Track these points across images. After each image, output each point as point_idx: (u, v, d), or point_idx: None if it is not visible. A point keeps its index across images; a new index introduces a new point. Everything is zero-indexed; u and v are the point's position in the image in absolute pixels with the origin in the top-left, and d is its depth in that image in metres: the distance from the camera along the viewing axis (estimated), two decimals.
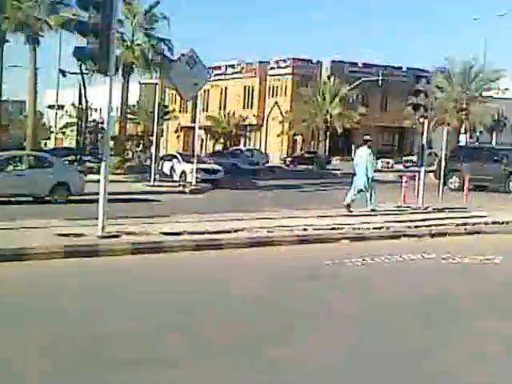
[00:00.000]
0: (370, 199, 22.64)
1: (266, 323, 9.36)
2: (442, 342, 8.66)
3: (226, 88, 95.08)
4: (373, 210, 22.36)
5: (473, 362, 7.93)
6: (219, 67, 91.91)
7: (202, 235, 16.12)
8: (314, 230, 18.03)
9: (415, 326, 9.49)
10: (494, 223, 20.77)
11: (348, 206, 22.23)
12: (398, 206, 24.45)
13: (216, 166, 43.60)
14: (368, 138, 24.26)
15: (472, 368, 7.71)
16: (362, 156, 23.07)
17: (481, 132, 63.86)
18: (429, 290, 11.94)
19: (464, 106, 59.00)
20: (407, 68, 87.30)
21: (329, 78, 78.69)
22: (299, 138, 79.73)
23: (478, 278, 13.36)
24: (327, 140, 70.00)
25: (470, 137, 69.62)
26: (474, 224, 20.37)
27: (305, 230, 17.94)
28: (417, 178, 25.69)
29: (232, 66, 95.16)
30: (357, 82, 73.91)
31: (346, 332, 9.08)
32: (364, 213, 22.01)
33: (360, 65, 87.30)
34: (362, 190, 22.58)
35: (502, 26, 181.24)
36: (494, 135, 56.32)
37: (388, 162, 75.51)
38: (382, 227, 18.97)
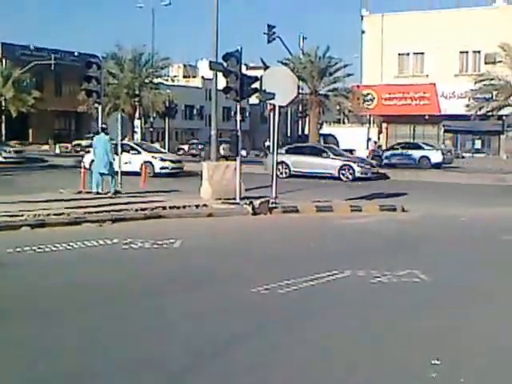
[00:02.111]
0: (112, 182, 24.66)
1: None
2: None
3: None
4: (117, 192, 24.50)
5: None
6: None
7: None
8: None
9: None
10: (171, 208, 21.21)
11: (97, 192, 24.20)
12: (78, 192, 24.35)
13: None
14: (104, 126, 25.65)
15: None
16: (101, 143, 24.74)
17: (154, 117, 65.09)
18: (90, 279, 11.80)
19: (136, 92, 59.65)
20: (79, 53, 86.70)
21: (0, 60, 76.46)
22: None
23: (156, 262, 13.57)
24: (3, 124, 67.78)
25: (145, 122, 70.70)
26: (152, 209, 20.75)
27: None
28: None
29: None
30: (29, 66, 72.37)
31: None
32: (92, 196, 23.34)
33: (32, 48, 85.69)
34: (104, 174, 24.44)
35: (168, 15, 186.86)
36: (167, 120, 57.52)
37: (67, 147, 74.86)
38: (63, 213, 18.77)
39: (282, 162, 38.19)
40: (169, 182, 28.44)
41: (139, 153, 37.82)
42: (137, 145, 40.59)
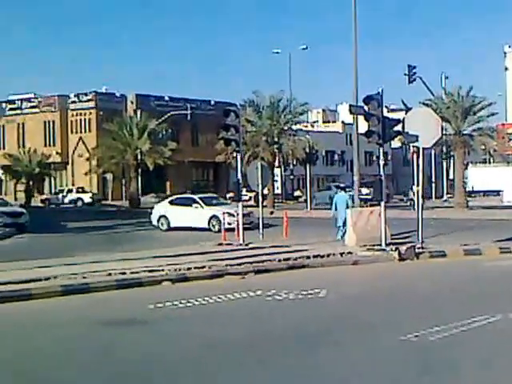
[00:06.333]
0: (342, 233, 25.89)
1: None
2: None
3: (23, 124, 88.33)
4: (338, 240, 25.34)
5: None
6: (13, 101, 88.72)
7: (6, 285, 14.98)
8: (132, 273, 17.12)
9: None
10: (315, 257, 20.52)
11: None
12: (219, 244, 23.97)
13: (19, 209, 39.14)
14: (342, 185, 29.65)
15: None
16: (341, 199, 27.27)
17: (294, 165, 64.49)
18: (254, 330, 11.50)
19: (275, 139, 59.25)
20: (215, 102, 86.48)
21: (135, 112, 76.25)
22: (109, 176, 75.79)
23: (303, 313, 13.02)
24: (139, 177, 67.52)
25: (285, 170, 70.24)
26: (296, 259, 20.11)
27: (123, 273, 17.01)
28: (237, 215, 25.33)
29: (28, 100, 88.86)
30: (165, 116, 72.24)
31: None
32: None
33: (166, 98, 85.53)
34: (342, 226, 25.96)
35: (304, 60, 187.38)
36: (308, 167, 56.65)
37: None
38: (204, 266, 18.34)
39: None
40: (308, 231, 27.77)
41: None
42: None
